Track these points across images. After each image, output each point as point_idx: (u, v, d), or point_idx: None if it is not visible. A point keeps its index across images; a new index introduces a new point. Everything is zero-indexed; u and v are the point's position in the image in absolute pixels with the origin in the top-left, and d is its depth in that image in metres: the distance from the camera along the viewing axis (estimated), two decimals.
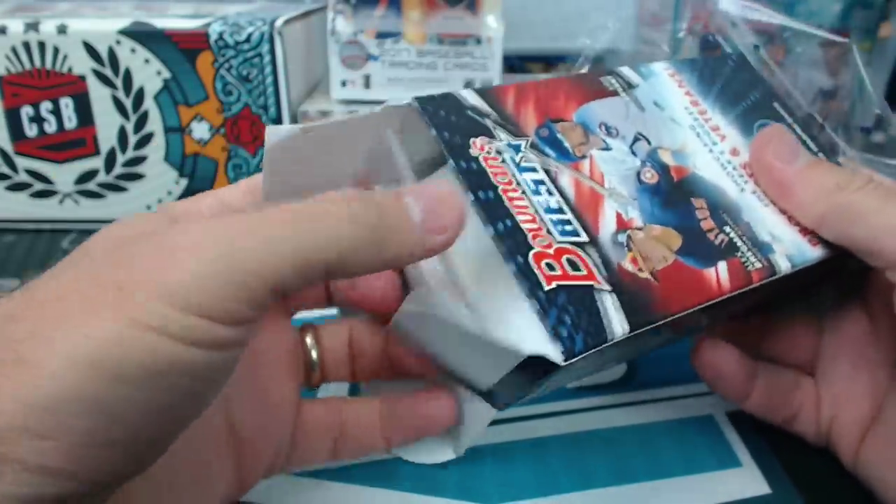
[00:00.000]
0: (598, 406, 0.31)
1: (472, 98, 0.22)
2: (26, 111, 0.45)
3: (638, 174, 0.23)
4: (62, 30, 0.43)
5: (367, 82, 0.48)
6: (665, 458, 0.27)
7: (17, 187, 0.47)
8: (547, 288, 0.19)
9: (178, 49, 0.44)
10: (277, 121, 0.46)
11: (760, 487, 0.26)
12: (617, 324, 0.19)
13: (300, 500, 0.26)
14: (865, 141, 0.62)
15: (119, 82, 0.44)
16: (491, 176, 0.21)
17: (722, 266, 0.22)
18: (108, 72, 0.44)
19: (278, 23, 0.44)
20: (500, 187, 0.21)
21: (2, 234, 0.47)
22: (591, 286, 0.19)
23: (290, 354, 0.25)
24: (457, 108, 0.22)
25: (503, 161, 0.21)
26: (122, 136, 0.46)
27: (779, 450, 0.28)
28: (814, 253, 0.23)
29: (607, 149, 0.23)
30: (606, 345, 0.19)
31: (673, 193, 0.23)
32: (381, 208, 0.18)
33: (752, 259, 0.22)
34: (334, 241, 0.17)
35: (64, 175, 0.46)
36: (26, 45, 0.43)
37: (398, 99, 0.21)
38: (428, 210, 0.18)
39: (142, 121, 0.45)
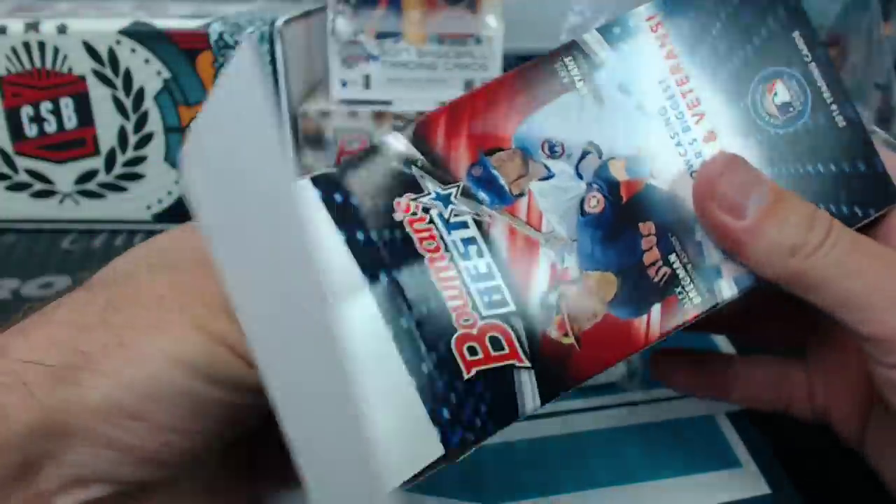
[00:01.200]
0: (598, 406, 0.31)
1: (398, 144, 0.20)
2: (26, 111, 0.45)
3: (581, 202, 0.21)
4: (62, 30, 0.43)
5: (367, 82, 0.48)
6: (665, 458, 0.27)
7: (17, 187, 0.47)
8: (466, 377, 0.19)
9: (178, 49, 0.44)
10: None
11: (760, 487, 0.26)
12: (529, 401, 0.19)
13: (300, 500, 0.26)
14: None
15: (119, 82, 0.44)
16: (417, 243, 0.19)
17: (655, 309, 0.20)
18: (108, 72, 0.44)
19: (278, 23, 0.44)
20: (427, 256, 0.19)
21: (2, 234, 0.47)
22: (512, 365, 0.19)
23: None
24: (382, 164, 0.20)
25: (430, 220, 0.20)
26: (122, 136, 0.46)
27: (779, 450, 0.28)
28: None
29: (549, 177, 0.21)
30: (518, 420, 0.19)
31: (619, 221, 0.21)
32: None
33: (692, 294, 0.20)
34: None
35: (64, 175, 0.46)
36: (26, 45, 0.43)
37: (319, 170, 0.20)
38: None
39: (142, 121, 0.45)
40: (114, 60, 0.44)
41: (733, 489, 0.26)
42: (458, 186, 0.20)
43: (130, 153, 0.46)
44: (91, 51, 0.44)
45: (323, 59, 0.50)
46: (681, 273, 0.20)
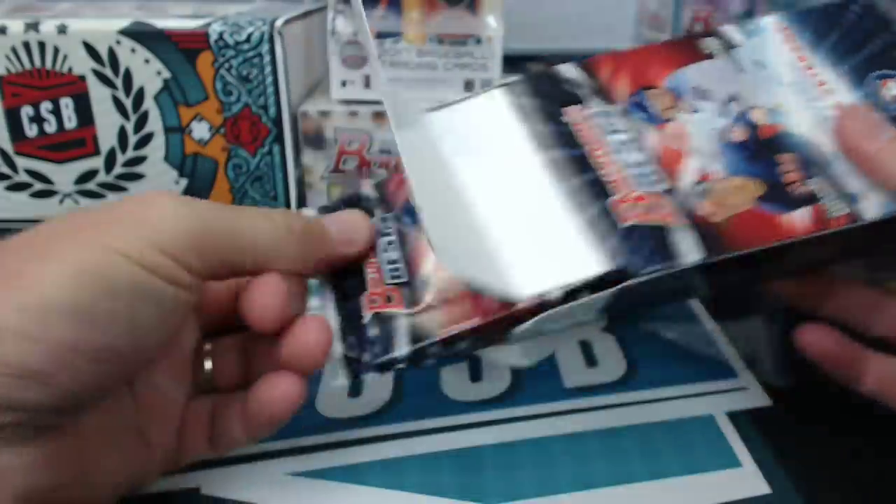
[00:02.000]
0: (598, 406, 0.31)
1: (570, 72, 0.27)
2: (26, 111, 0.45)
3: (725, 133, 0.25)
4: (62, 30, 0.43)
5: (367, 82, 0.48)
6: (665, 458, 0.27)
7: (17, 187, 0.47)
8: (623, 226, 0.23)
9: (178, 49, 0.44)
10: (278, 121, 0.46)
11: (760, 487, 0.26)
12: (687, 254, 0.22)
13: (300, 499, 0.26)
14: None
15: (119, 82, 0.44)
16: (578, 137, 0.25)
17: (802, 212, 0.23)
18: (108, 72, 0.44)
19: (278, 23, 0.44)
20: (587, 147, 0.25)
21: (2, 235, 0.47)
22: (665, 225, 0.22)
23: (189, 354, 0.26)
24: (554, 82, 0.27)
25: (592, 126, 0.25)
26: (122, 136, 0.46)
27: (779, 450, 0.28)
28: None
29: (696, 111, 0.26)
30: (675, 270, 0.21)
31: (760, 150, 0.24)
32: (307, 223, 0.24)
33: (837, 206, 0.23)
34: (275, 240, 0.23)
35: (64, 175, 0.46)
36: (26, 45, 0.43)
37: (509, 78, 0.27)
38: (340, 229, 0.26)
39: (142, 121, 0.45)
40: (114, 60, 0.44)
41: (733, 489, 0.26)
42: (618, 106, 0.26)
43: (130, 153, 0.46)
44: (91, 51, 0.44)
45: (323, 59, 0.50)
46: (822, 192, 0.23)
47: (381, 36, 0.47)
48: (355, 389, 0.32)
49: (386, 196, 0.28)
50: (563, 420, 0.30)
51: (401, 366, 0.24)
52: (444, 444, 0.28)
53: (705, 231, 0.22)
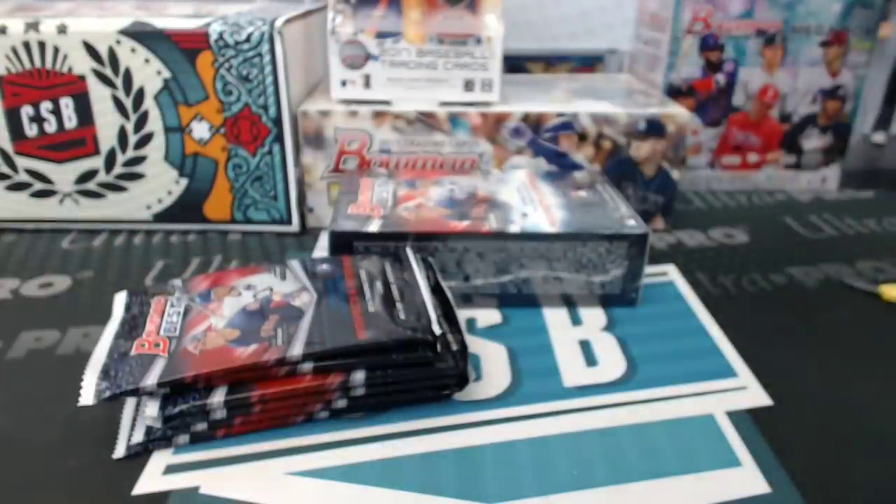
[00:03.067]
0: (598, 406, 0.31)
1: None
2: (26, 111, 0.45)
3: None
4: (62, 30, 0.43)
5: (367, 82, 0.48)
6: (665, 458, 0.27)
7: (17, 187, 0.47)
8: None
9: (178, 49, 0.44)
10: (278, 121, 0.46)
11: (760, 487, 0.26)
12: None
13: (300, 499, 0.26)
14: (865, 142, 0.62)
15: (119, 82, 0.44)
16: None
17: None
18: (108, 72, 0.44)
19: (278, 23, 0.44)
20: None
21: (2, 234, 0.47)
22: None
23: None
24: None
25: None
26: (122, 135, 0.46)
27: (779, 450, 0.28)
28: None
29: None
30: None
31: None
32: None
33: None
34: None
35: (64, 175, 0.46)
36: (26, 45, 0.43)
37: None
38: None
39: (142, 121, 0.45)
40: (114, 60, 0.44)
41: (733, 489, 0.26)
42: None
43: (130, 153, 0.46)
44: (91, 51, 0.44)
45: (323, 59, 0.50)
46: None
47: (381, 36, 0.47)
48: None
49: (188, 286, 0.36)
50: (563, 420, 0.30)
51: (152, 424, 0.29)
52: (444, 443, 0.28)
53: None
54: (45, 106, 0.45)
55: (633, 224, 0.39)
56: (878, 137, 0.64)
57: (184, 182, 0.47)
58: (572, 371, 0.33)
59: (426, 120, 0.47)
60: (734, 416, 0.30)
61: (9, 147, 0.45)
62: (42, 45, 0.43)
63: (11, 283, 0.41)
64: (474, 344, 0.35)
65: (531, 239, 0.38)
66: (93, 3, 0.54)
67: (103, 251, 0.45)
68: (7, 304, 0.39)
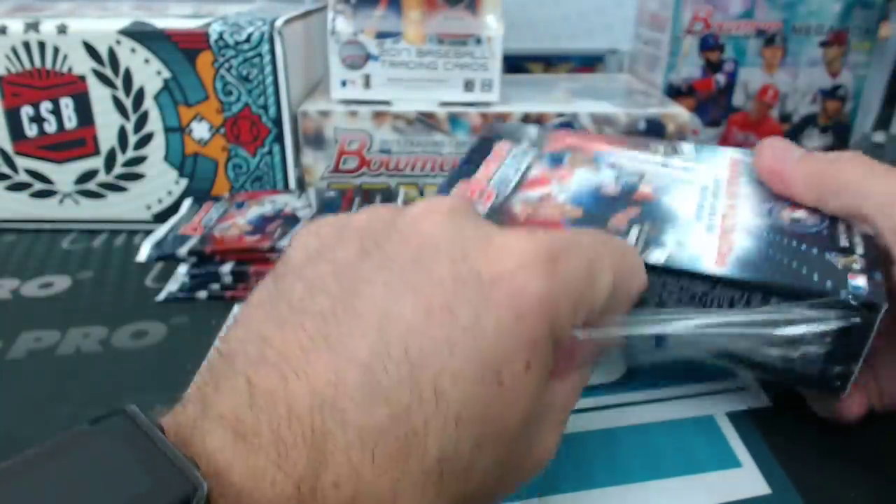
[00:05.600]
0: (598, 406, 0.31)
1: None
2: (26, 111, 0.45)
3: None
4: (62, 30, 0.43)
5: (367, 82, 0.48)
6: (665, 458, 0.27)
7: (17, 187, 0.47)
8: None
9: (178, 49, 0.44)
10: (278, 121, 0.46)
11: (760, 487, 0.26)
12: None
13: None
14: (866, 141, 0.62)
15: (119, 82, 0.44)
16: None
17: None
18: (108, 72, 0.44)
19: (278, 23, 0.44)
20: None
21: (2, 234, 0.47)
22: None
23: None
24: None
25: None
26: (122, 136, 0.46)
27: (779, 450, 0.28)
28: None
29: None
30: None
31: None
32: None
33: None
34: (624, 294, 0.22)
35: (64, 175, 0.46)
36: (26, 45, 0.43)
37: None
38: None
39: (142, 121, 0.45)
40: (114, 60, 0.44)
41: (733, 489, 0.26)
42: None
43: (130, 153, 0.46)
44: (91, 51, 0.44)
45: (323, 59, 0.50)
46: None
47: (381, 36, 0.47)
48: None
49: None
50: None
51: None
52: None
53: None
54: (45, 106, 0.45)
55: (860, 286, 0.23)
56: (879, 137, 0.64)
57: (184, 182, 0.47)
58: None
59: (426, 120, 0.47)
60: (734, 416, 0.30)
61: (9, 147, 0.45)
62: (42, 45, 0.43)
63: (11, 283, 0.41)
64: None
65: (679, 276, 0.25)
66: (93, 3, 0.54)
67: (103, 251, 0.45)
68: (7, 304, 0.39)
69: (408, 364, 0.16)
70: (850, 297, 0.23)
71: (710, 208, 0.28)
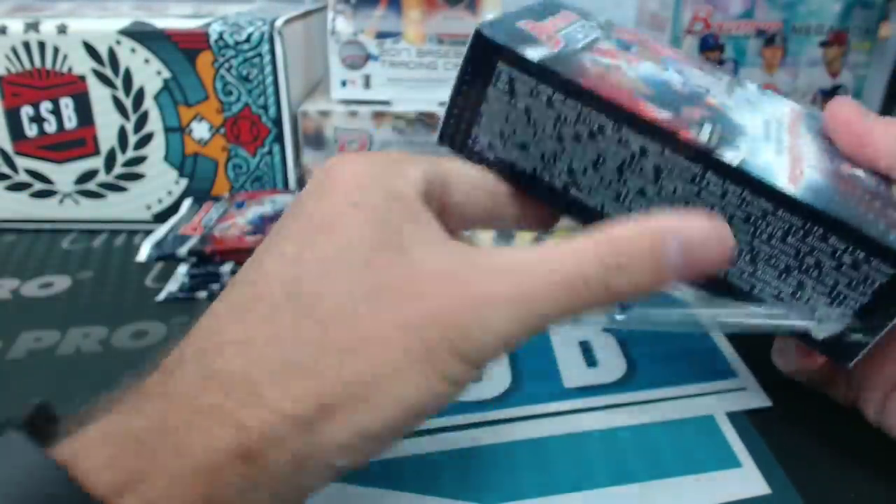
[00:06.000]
0: (598, 406, 0.31)
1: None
2: (26, 111, 0.45)
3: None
4: (62, 30, 0.43)
5: (367, 82, 0.48)
6: (665, 458, 0.27)
7: (17, 187, 0.47)
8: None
9: (178, 49, 0.44)
10: (278, 121, 0.46)
11: (760, 487, 0.26)
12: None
13: None
14: None
15: (119, 82, 0.44)
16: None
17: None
18: (108, 72, 0.44)
19: (278, 23, 0.44)
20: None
21: (2, 234, 0.47)
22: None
23: None
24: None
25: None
26: (122, 136, 0.46)
27: (779, 450, 0.28)
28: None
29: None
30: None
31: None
32: (630, 274, 0.19)
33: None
34: (580, 308, 0.20)
35: (64, 175, 0.46)
36: (26, 45, 0.43)
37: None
38: (688, 262, 0.19)
39: (142, 121, 0.45)
40: (114, 60, 0.44)
41: (733, 489, 0.26)
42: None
43: (130, 153, 0.46)
44: (91, 51, 0.44)
45: (323, 59, 0.50)
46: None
47: (381, 36, 0.47)
48: None
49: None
50: (563, 420, 0.30)
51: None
52: (445, 444, 0.28)
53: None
54: (45, 106, 0.45)
55: None
56: None
57: (184, 182, 0.47)
58: (572, 372, 0.33)
59: (426, 120, 0.47)
60: (734, 416, 0.30)
61: (9, 147, 0.45)
62: (42, 45, 0.43)
63: (11, 283, 0.41)
64: None
65: (747, 185, 0.23)
66: (93, 3, 0.54)
67: (103, 251, 0.45)
68: (7, 304, 0.39)
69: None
70: None
71: (777, 137, 0.26)
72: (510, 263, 0.20)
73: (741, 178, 0.23)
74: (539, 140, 0.25)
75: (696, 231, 0.19)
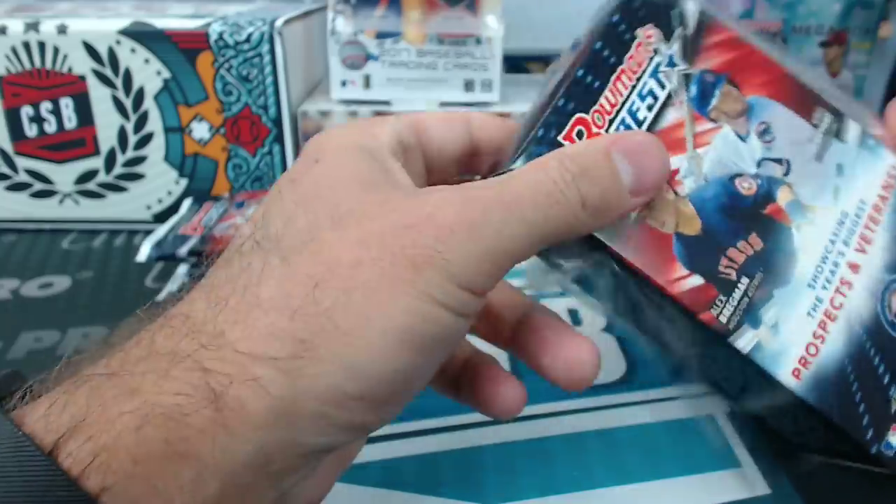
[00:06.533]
0: (598, 406, 0.31)
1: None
2: (26, 111, 0.45)
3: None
4: (62, 30, 0.43)
5: (367, 82, 0.48)
6: (665, 458, 0.27)
7: (17, 187, 0.47)
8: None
9: (178, 49, 0.44)
10: (278, 121, 0.46)
11: (760, 487, 0.26)
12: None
13: None
14: None
15: (119, 82, 0.44)
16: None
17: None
18: (108, 72, 0.44)
19: (278, 23, 0.44)
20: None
21: (2, 234, 0.47)
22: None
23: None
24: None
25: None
26: (122, 136, 0.46)
27: (779, 450, 0.28)
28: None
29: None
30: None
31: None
32: (594, 179, 0.19)
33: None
34: (564, 224, 0.19)
35: (64, 175, 0.46)
36: (26, 45, 0.43)
37: None
38: (636, 169, 0.20)
39: (142, 121, 0.45)
40: (114, 60, 0.44)
41: (733, 489, 0.26)
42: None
43: (130, 153, 0.46)
44: (91, 51, 0.44)
45: (323, 59, 0.50)
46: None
47: (381, 36, 0.47)
48: None
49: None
50: (563, 420, 0.30)
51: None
52: (445, 444, 0.28)
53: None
54: (45, 106, 0.45)
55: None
56: None
57: (184, 182, 0.47)
58: None
59: None
60: (734, 416, 0.30)
61: (9, 147, 0.45)
62: (42, 45, 0.43)
63: (11, 283, 0.41)
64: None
65: (755, 368, 0.22)
66: (93, 3, 0.54)
67: (103, 251, 0.45)
68: (7, 304, 0.39)
69: None
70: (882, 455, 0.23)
71: (833, 264, 0.23)
72: (489, 182, 0.19)
73: (749, 361, 0.22)
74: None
75: (636, 140, 0.20)
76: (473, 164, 0.24)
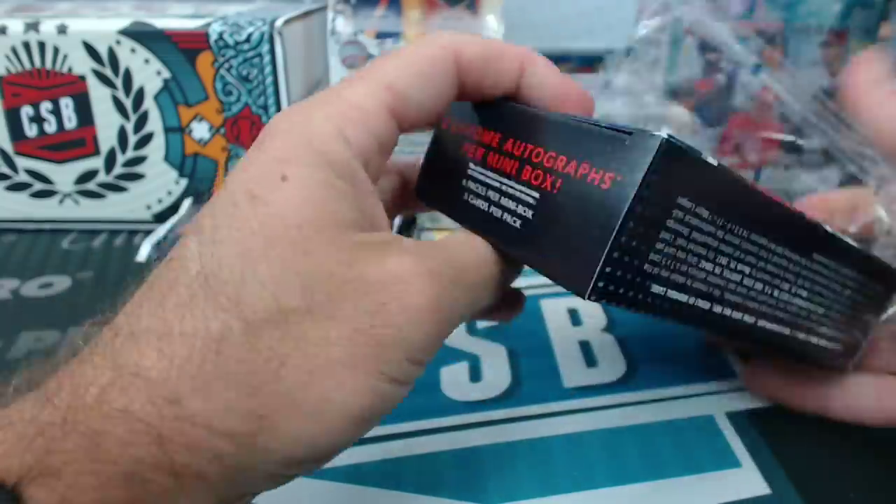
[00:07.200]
0: (598, 406, 0.31)
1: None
2: (26, 111, 0.45)
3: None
4: (62, 30, 0.43)
5: None
6: (665, 458, 0.27)
7: (17, 187, 0.47)
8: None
9: (178, 49, 0.44)
10: None
11: (760, 487, 0.26)
12: None
13: (301, 499, 0.26)
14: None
15: (119, 82, 0.44)
16: None
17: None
18: (108, 72, 0.44)
19: (278, 23, 0.44)
20: None
21: (2, 234, 0.47)
22: None
23: None
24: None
25: None
26: (122, 136, 0.46)
27: (779, 450, 0.28)
28: None
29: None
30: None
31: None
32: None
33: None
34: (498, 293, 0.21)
35: (64, 175, 0.46)
36: (26, 45, 0.43)
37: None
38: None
39: (142, 121, 0.45)
40: (114, 60, 0.44)
41: (733, 489, 0.26)
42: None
43: (130, 153, 0.46)
44: (91, 51, 0.44)
45: (323, 59, 0.50)
46: None
47: (381, 36, 0.47)
48: None
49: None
50: (563, 420, 0.30)
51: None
52: (445, 444, 0.28)
53: None
54: (45, 106, 0.45)
55: None
56: None
57: (184, 182, 0.47)
58: (572, 371, 0.33)
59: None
60: (734, 416, 0.30)
61: (9, 147, 0.45)
62: (42, 45, 0.43)
63: (11, 284, 0.41)
64: (474, 344, 0.35)
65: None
66: (93, 3, 0.54)
67: (103, 251, 0.45)
68: (7, 304, 0.39)
69: None
70: None
71: None
72: (447, 248, 0.20)
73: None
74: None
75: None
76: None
